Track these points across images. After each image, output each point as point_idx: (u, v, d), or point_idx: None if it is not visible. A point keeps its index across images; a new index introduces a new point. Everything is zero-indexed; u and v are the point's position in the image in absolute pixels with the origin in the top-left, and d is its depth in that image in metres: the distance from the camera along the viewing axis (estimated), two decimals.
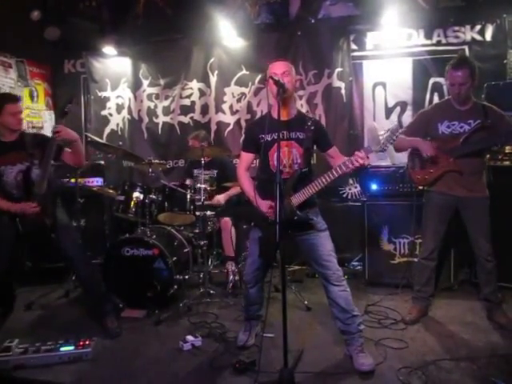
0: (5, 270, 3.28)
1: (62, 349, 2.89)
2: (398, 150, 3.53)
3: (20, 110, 3.28)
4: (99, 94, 5.68)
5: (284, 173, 2.67)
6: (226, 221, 4.28)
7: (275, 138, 2.65)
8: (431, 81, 4.71)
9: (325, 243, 2.73)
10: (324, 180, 2.60)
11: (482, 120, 3.11)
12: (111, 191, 4.31)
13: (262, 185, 2.78)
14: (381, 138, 2.52)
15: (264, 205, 2.66)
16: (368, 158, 2.52)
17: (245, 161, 2.91)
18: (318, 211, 2.82)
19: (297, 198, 2.66)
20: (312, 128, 2.72)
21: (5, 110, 3.17)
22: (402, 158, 3.77)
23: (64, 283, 4.24)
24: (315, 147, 2.85)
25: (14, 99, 3.27)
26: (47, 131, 5.63)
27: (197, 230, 4.08)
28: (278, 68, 2.69)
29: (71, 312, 3.78)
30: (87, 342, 2.96)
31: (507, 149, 3.84)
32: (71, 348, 2.90)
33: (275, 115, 2.61)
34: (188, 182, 4.12)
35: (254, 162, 4.10)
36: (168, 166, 5.40)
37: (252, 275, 2.93)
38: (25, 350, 2.86)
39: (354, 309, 2.74)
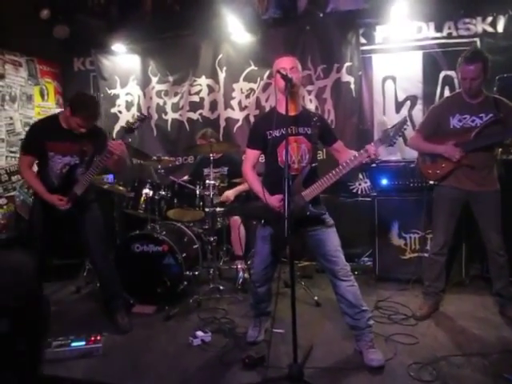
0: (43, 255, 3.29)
1: (73, 344, 2.92)
2: (415, 150, 3.51)
3: (87, 125, 3.15)
4: (109, 91, 5.70)
5: (292, 169, 2.65)
6: (235, 219, 4.27)
7: (284, 133, 2.64)
8: (442, 74, 4.65)
9: (332, 239, 2.72)
10: (336, 174, 2.59)
11: (495, 114, 3.06)
12: (121, 188, 4.34)
13: (270, 181, 2.76)
14: (390, 131, 2.53)
15: (274, 199, 2.64)
16: (378, 150, 2.54)
17: (251, 158, 2.87)
18: (325, 208, 2.81)
19: (308, 194, 2.64)
20: (318, 124, 2.72)
21: (75, 116, 3.09)
22: (412, 153, 3.74)
23: (75, 279, 4.29)
24: (321, 142, 2.84)
25: (90, 115, 3.15)
26: None
27: (206, 226, 4.09)
28: (286, 63, 2.68)
29: (82, 308, 3.82)
30: (98, 338, 2.99)
31: None
32: (82, 343, 2.93)
33: (282, 110, 2.60)
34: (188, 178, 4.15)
35: (262, 157, 4.07)
36: (177, 163, 5.42)
37: (261, 274, 2.92)
38: None
39: (363, 304, 2.72)
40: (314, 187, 2.64)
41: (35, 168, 3.37)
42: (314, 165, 2.71)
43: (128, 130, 3.15)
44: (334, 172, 2.60)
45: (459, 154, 3.11)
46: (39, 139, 3.20)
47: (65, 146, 3.21)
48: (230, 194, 4.18)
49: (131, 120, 3.18)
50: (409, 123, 4.61)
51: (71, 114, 3.11)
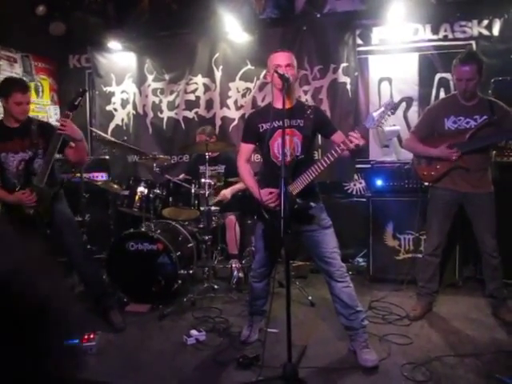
0: None
1: (67, 342, 2.90)
2: (410, 152, 3.52)
3: (26, 100, 3.13)
4: (104, 88, 5.68)
5: (285, 161, 2.63)
6: (231, 219, 4.27)
7: (275, 126, 2.65)
8: (437, 76, 4.66)
9: (329, 240, 2.72)
10: (320, 165, 2.56)
11: (489, 116, 3.08)
12: (116, 186, 4.32)
13: (263, 174, 2.80)
14: (375, 114, 2.46)
15: (263, 193, 2.64)
16: (363, 138, 2.47)
17: (244, 152, 2.88)
18: (323, 208, 2.80)
19: (295, 187, 2.63)
20: (311, 116, 2.69)
21: (11, 97, 3.04)
22: (407, 154, 3.76)
23: (68, 278, 4.25)
24: (319, 136, 2.83)
25: (23, 88, 3.11)
26: None
27: (201, 225, 4.08)
28: (282, 60, 2.66)
29: (76, 306, 3.79)
30: (92, 336, 2.98)
31: None
32: (75, 342, 2.91)
33: (277, 105, 2.61)
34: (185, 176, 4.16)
35: (258, 157, 4.09)
36: (172, 161, 5.40)
37: (259, 271, 2.94)
38: None
39: (358, 304, 2.73)
40: (300, 180, 2.62)
41: None
42: (301, 157, 2.67)
43: (71, 106, 3.09)
44: (319, 163, 2.57)
45: (455, 154, 3.13)
46: None
47: (14, 143, 3.13)
48: (227, 192, 4.18)
49: (72, 96, 3.14)
50: (403, 124, 4.71)
51: (6, 99, 3.05)
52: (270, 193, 2.62)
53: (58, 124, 3.06)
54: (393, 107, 2.48)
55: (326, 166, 2.56)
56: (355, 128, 2.51)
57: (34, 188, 3.06)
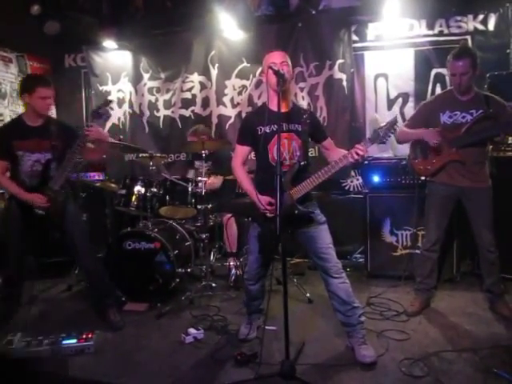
0: (19, 263, 3.24)
1: (65, 342, 2.90)
2: (401, 142, 3.51)
3: (51, 94, 3.15)
4: (100, 88, 5.67)
5: (284, 165, 2.63)
6: (228, 217, 4.26)
7: (274, 129, 2.63)
8: (433, 72, 4.66)
9: (324, 236, 2.72)
10: (324, 173, 2.58)
11: (485, 110, 3.09)
12: (113, 185, 4.32)
13: (260, 179, 2.76)
14: (380, 131, 2.53)
15: (263, 200, 2.62)
16: (367, 150, 2.51)
17: (241, 154, 2.85)
18: (316, 204, 2.80)
19: (297, 192, 2.64)
20: (308, 121, 2.70)
21: (35, 92, 3.06)
22: (404, 150, 3.76)
23: (66, 277, 4.26)
24: (310, 140, 2.83)
25: (47, 83, 3.14)
26: None
27: (198, 224, 4.08)
28: (276, 58, 2.66)
29: (73, 306, 3.80)
30: (89, 335, 2.97)
31: (510, 139, 3.81)
32: (73, 341, 2.92)
33: (273, 107, 2.60)
34: (190, 174, 4.12)
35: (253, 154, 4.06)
36: (169, 160, 5.40)
37: (254, 273, 2.92)
38: (27, 344, 2.87)
39: (355, 300, 2.73)
40: (303, 186, 2.62)
41: None
42: (303, 163, 2.67)
43: (94, 114, 3.16)
44: (322, 171, 2.59)
45: (437, 137, 3.14)
46: (6, 141, 3.12)
47: (32, 142, 3.13)
48: (217, 180, 4.19)
49: (95, 106, 3.20)
50: (400, 121, 4.70)
51: (30, 95, 3.07)
52: (270, 203, 2.60)
53: (82, 133, 3.08)
54: (396, 123, 2.55)
55: (330, 174, 2.58)
56: (361, 141, 2.54)
57: (48, 191, 3.09)
